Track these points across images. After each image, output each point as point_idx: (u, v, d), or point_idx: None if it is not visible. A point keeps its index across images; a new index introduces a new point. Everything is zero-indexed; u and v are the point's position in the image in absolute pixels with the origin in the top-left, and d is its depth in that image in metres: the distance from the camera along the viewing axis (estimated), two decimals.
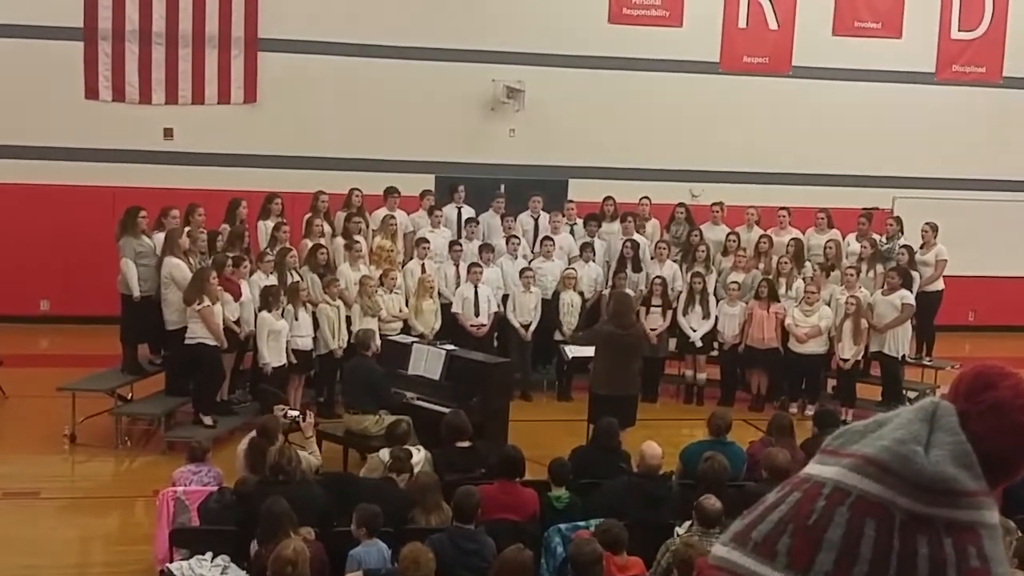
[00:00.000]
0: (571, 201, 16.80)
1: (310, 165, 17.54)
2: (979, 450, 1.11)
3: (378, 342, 12.87)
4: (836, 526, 1.12)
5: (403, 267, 14.59)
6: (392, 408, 11.21)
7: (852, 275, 14.68)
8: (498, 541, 7.19)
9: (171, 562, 7.71)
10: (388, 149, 18.04)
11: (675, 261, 15.50)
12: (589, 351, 12.35)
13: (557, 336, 14.82)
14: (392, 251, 14.54)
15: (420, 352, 12.27)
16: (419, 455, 9.40)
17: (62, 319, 17.27)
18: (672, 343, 15.31)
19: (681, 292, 15.12)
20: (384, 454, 9.17)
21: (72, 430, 12.22)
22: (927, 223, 16.00)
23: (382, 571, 7.10)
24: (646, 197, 16.47)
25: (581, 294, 15.01)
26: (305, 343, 13.07)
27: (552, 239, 15.47)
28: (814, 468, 1.19)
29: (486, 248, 15.09)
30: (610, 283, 15.30)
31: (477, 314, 14.51)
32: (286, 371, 12.85)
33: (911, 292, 14.73)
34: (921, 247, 15.80)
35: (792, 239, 15.54)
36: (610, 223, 16.18)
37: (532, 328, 14.86)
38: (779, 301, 14.71)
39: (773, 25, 19.60)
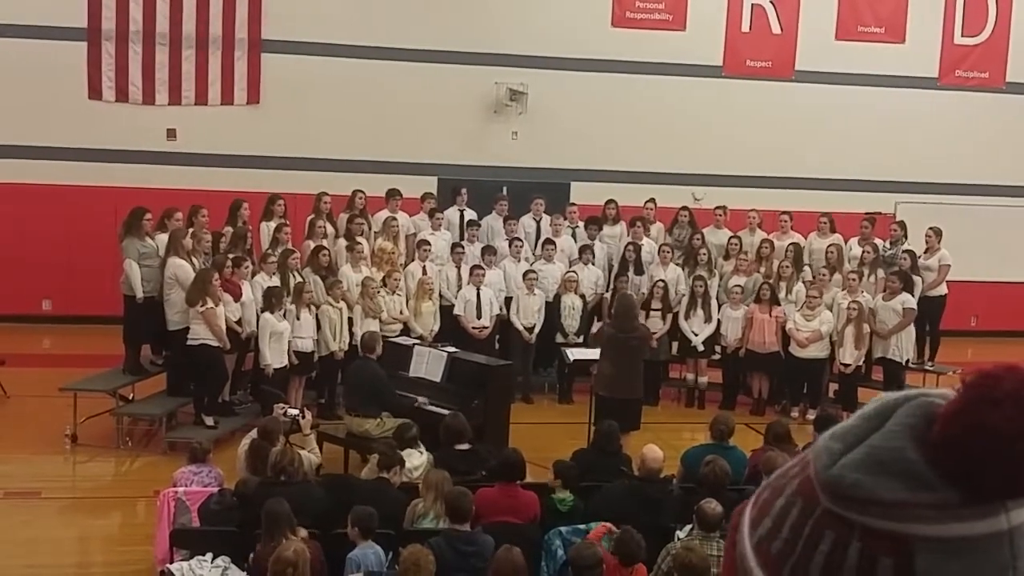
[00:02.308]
0: (573, 204, 16.79)
1: (313, 166, 17.56)
2: (960, 456, 1.04)
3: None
4: (783, 496, 1.14)
5: (404, 269, 14.59)
6: (394, 410, 11.21)
7: (854, 280, 14.67)
8: (499, 544, 7.18)
9: (171, 563, 7.71)
10: (390, 151, 18.05)
11: (678, 265, 15.48)
12: (590, 354, 12.36)
13: (558, 339, 14.83)
14: (393, 253, 14.54)
15: (421, 354, 12.27)
16: (422, 458, 9.40)
17: (64, 319, 17.30)
18: (674, 347, 15.31)
19: (684, 296, 15.12)
20: None
21: (73, 430, 12.22)
22: (931, 228, 15.99)
23: (382, 574, 7.10)
24: (651, 200, 16.46)
25: (582, 296, 15.01)
26: (306, 345, 13.07)
27: (554, 242, 15.47)
28: None
29: (488, 250, 15.10)
30: (611, 286, 15.30)
31: (479, 316, 14.52)
32: (287, 372, 12.85)
33: (913, 296, 14.72)
34: (925, 252, 15.79)
35: (791, 244, 15.53)
36: (611, 226, 16.18)
37: (536, 331, 14.86)
38: (780, 305, 14.70)
39: (776, 29, 19.61)
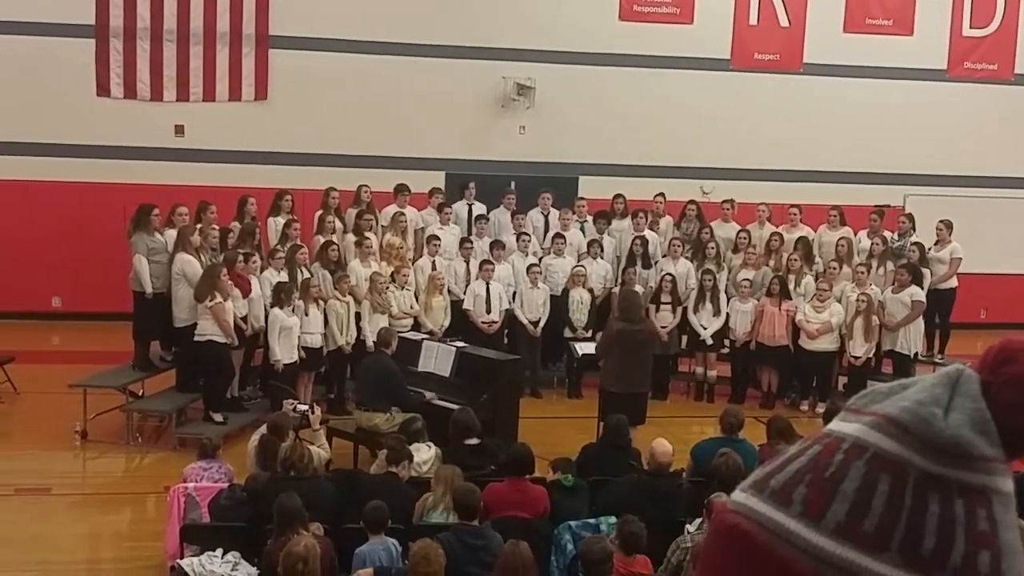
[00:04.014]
0: (581, 198, 16.77)
1: (320, 162, 17.57)
2: (997, 420, 1.14)
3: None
4: (851, 479, 1.16)
5: (413, 264, 14.59)
6: (404, 405, 11.20)
7: (863, 272, 14.66)
8: (508, 538, 7.18)
9: (182, 558, 7.72)
10: (398, 146, 18.05)
11: (687, 258, 15.46)
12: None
13: (567, 333, 14.82)
14: (402, 248, 14.55)
15: (430, 349, 12.28)
16: (430, 452, 9.40)
17: (74, 316, 17.32)
18: (683, 340, 15.31)
19: (693, 289, 15.11)
20: None
21: (83, 426, 12.25)
22: (942, 221, 15.99)
23: (392, 570, 7.10)
24: (661, 194, 16.45)
25: (591, 291, 15.00)
26: (315, 340, 13.08)
27: (563, 236, 15.45)
28: (836, 424, 1.22)
29: (497, 245, 15.08)
30: (619, 280, 15.29)
31: (489, 311, 14.51)
32: (296, 368, 12.86)
33: (922, 289, 14.71)
34: (936, 244, 15.80)
35: (799, 238, 15.49)
36: (620, 220, 16.17)
37: (541, 325, 14.85)
38: (790, 298, 14.68)
39: (784, 22, 19.57)
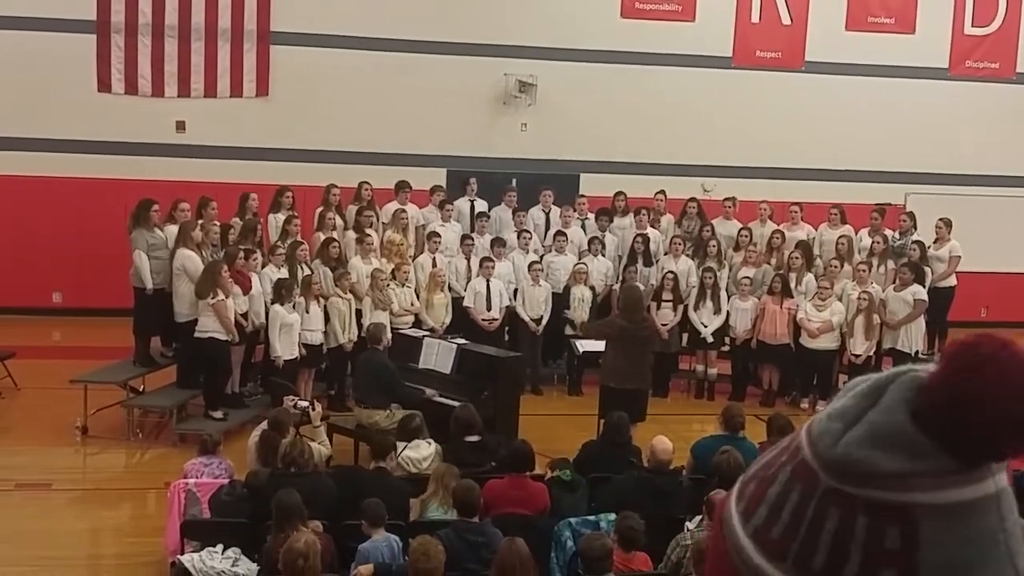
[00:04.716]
0: (582, 195, 16.77)
1: (322, 158, 17.54)
2: (948, 426, 1.08)
3: (389, 336, 12.90)
4: (777, 484, 1.15)
5: (414, 261, 14.59)
6: (403, 402, 11.22)
7: (864, 271, 14.66)
8: (508, 535, 7.18)
9: (182, 554, 7.73)
10: (400, 143, 18.02)
11: (688, 256, 15.46)
12: (600, 345, 12.35)
13: (567, 330, 14.81)
14: (403, 245, 14.54)
15: (431, 346, 12.28)
16: (430, 448, 9.42)
17: (74, 311, 17.30)
18: (684, 338, 15.31)
19: (694, 287, 15.11)
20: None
21: (84, 422, 12.25)
22: (941, 219, 16.00)
23: (393, 566, 7.11)
24: (662, 191, 16.47)
25: (592, 288, 15.00)
26: (315, 337, 13.07)
27: (565, 233, 15.45)
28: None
29: (498, 242, 15.08)
30: (620, 277, 15.29)
31: (489, 308, 14.51)
32: (296, 364, 12.86)
33: (923, 288, 14.71)
34: (935, 242, 15.82)
35: (799, 243, 15.48)
36: (621, 218, 16.16)
37: (544, 322, 14.85)
38: (792, 296, 14.68)
39: (786, 20, 19.55)
